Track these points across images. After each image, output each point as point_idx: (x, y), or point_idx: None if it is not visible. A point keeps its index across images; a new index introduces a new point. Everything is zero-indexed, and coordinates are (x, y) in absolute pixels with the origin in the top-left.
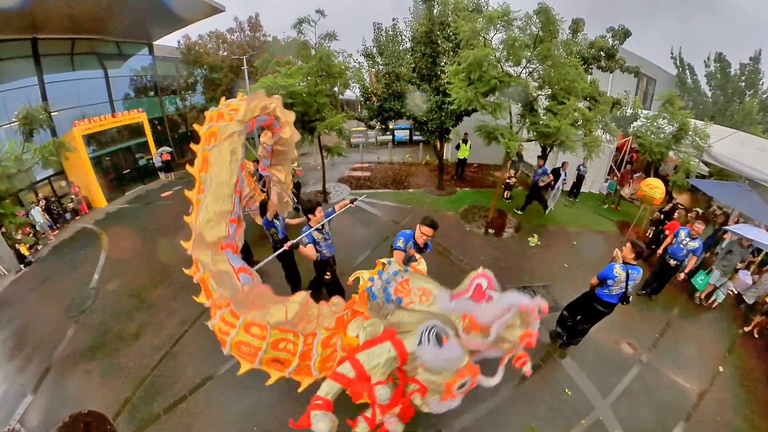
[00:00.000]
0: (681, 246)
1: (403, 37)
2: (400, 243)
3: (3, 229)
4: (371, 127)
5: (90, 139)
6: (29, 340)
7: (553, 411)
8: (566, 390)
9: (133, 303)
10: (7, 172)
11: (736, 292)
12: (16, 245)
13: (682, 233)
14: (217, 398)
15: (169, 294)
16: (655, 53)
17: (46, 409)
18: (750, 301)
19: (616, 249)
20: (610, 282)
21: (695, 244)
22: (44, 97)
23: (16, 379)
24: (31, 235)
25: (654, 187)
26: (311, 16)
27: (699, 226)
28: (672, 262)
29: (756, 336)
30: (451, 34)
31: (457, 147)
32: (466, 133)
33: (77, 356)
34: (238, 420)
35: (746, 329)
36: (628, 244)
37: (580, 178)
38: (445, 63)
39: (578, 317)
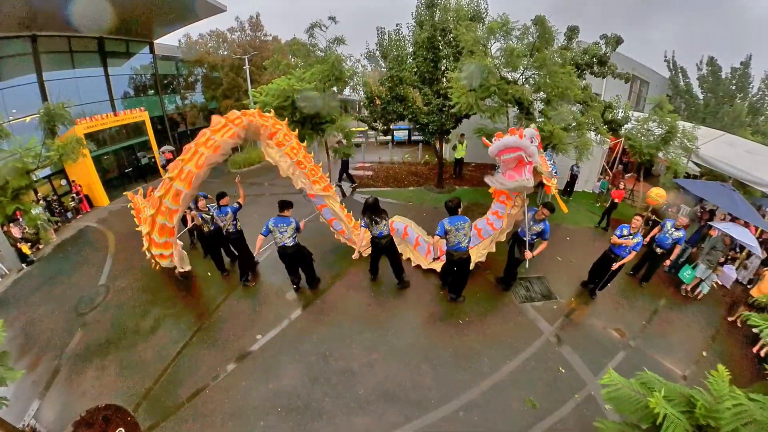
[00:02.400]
0: (667, 235)
1: (406, 41)
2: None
3: (5, 228)
4: (375, 129)
5: (91, 137)
6: (39, 337)
7: (550, 387)
8: (560, 368)
9: (147, 298)
10: (26, 167)
11: (720, 284)
12: (18, 244)
13: (668, 224)
14: (240, 384)
15: (184, 288)
16: (659, 53)
17: (61, 405)
18: (747, 284)
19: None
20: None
21: (679, 234)
22: (44, 95)
23: (27, 376)
24: (45, 230)
25: (661, 195)
26: (322, 21)
27: (683, 219)
28: (659, 251)
29: (739, 325)
30: (452, 39)
31: (454, 147)
32: (462, 134)
33: (91, 352)
34: (263, 403)
35: (730, 319)
36: (639, 217)
37: (573, 178)
38: (446, 67)
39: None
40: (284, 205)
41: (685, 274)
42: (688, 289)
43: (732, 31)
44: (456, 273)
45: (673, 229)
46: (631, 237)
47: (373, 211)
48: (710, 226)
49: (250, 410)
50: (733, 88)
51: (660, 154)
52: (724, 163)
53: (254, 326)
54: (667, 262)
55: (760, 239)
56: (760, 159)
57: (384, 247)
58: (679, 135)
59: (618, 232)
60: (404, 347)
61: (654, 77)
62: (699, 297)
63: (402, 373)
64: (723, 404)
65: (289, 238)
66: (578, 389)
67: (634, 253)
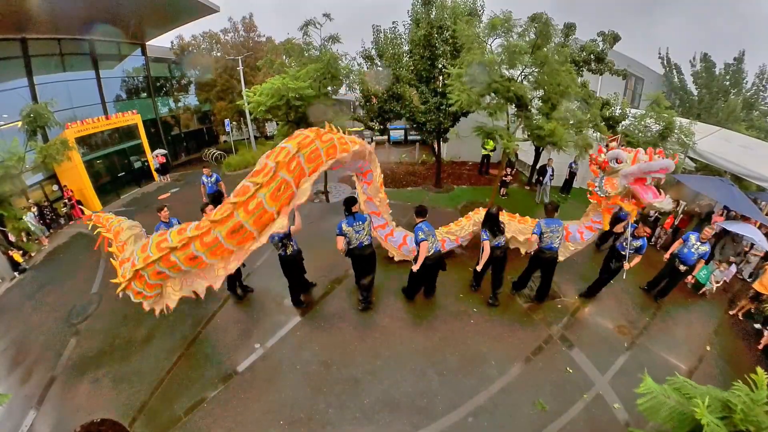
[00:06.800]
0: (692, 251)
1: (402, 39)
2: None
3: None
4: (371, 128)
5: (83, 141)
6: (31, 349)
7: (558, 388)
8: (567, 368)
9: (140, 307)
10: (10, 173)
11: (720, 281)
12: (9, 252)
13: (692, 238)
14: (239, 396)
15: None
16: (662, 48)
17: (55, 420)
18: (748, 278)
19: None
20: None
21: (705, 248)
22: (35, 99)
23: (19, 390)
24: (33, 239)
25: None
26: (317, 19)
27: (708, 231)
28: (682, 268)
29: (741, 318)
30: (448, 37)
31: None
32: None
33: (84, 364)
34: (263, 417)
35: (731, 312)
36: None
37: (571, 175)
38: (443, 65)
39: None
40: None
41: (702, 274)
42: (693, 281)
43: (737, 28)
44: (543, 273)
45: (699, 243)
46: (699, 245)
47: (495, 222)
48: (710, 222)
49: (251, 423)
50: (727, 83)
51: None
52: (720, 158)
53: (252, 335)
54: (690, 278)
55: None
56: (755, 153)
57: (500, 258)
58: (676, 131)
59: (685, 237)
60: (408, 353)
61: (649, 74)
62: (706, 296)
63: (407, 379)
64: (762, 408)
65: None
66: (586, 389)
67: (703, 262)
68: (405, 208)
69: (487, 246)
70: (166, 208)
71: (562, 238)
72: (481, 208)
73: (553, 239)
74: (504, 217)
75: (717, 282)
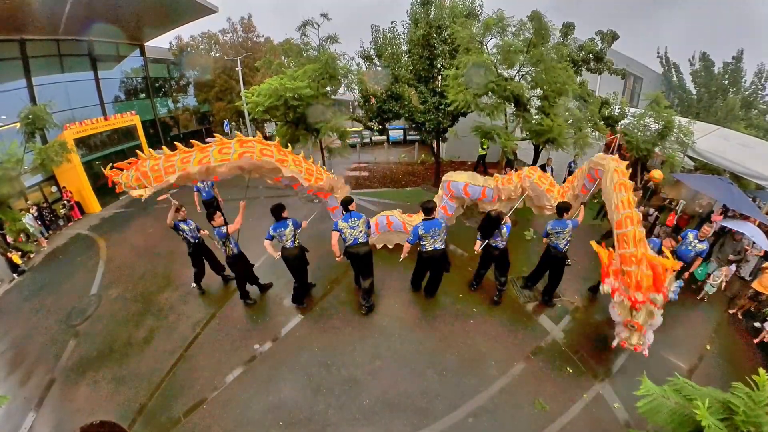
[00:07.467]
0: (689, 248)
1: (401, 39)
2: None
3: None
4: (370, 128)
5: (82, 142)
6: (30, 351)
7: (558, 387)
8: (567, 368)
9: (140, 308)
10: (8, 175)
11: (723, 283)
12: (8, 253)
13: (690, 236)
14: (238, 397)
15: (176, 297)
16: (662, 48)
17: (54, 422)
18: (748, 277)
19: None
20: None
21: (703, 246)
22: (33, 100)
23: (19, 392)
24: (31, 241)
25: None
26: (315, 19)
27: (707, 229)
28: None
29: (740, 317)
30: (447, 37)
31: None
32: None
33: (84, 365)
34: (263, 417)
35: (731, 311)
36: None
37: (570, 174)
38: (442, 65)
39: None
40: (279, 209)
41: (698, 270)
42: (686, 276)
43: (736, 28)
44: (550, 272)
45: (696, 241)
46: (697, 242)
47: (494, 226)
48: (710, 221)
49: (251, 425)
50: (726, 82)
51: (656, 149)
52: (719, 156)
53: (252, 336)
54: (686, 275)
55: None
56: (753, 152)
57: (499, 258)
58: (675, 130)
59: (683, 234)
60: (409, 353)
61: (648, 73)
62: (704, 299)
63: (407, 380)
64: (763, 409)
65: (289, 240)
66: (587, 388)
67: (700, 260)
68: (404, 208)
69: (477, 244)
70: (184, 209)
71: (569, 239)
72: (532, 168)
73: (558, 240)
74: (546, 183)
75: (722, 282)
